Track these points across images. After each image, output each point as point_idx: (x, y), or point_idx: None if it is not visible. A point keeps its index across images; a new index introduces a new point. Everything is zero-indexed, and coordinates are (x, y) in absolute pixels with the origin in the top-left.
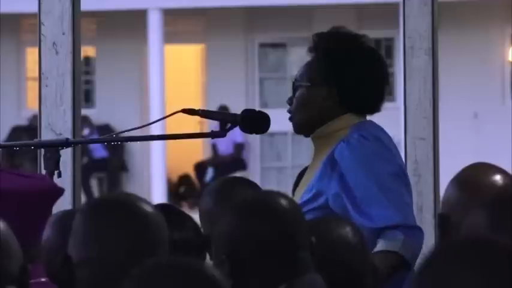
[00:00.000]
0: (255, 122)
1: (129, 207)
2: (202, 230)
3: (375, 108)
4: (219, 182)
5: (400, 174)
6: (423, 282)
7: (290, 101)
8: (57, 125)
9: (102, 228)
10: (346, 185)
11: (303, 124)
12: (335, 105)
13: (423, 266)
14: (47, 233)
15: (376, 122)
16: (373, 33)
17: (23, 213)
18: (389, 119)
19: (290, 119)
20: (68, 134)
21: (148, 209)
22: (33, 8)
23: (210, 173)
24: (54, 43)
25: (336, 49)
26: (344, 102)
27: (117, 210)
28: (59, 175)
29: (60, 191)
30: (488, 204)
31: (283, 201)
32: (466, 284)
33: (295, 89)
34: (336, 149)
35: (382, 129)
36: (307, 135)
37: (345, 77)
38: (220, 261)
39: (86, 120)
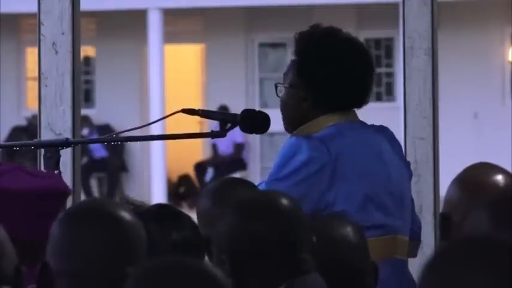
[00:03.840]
0: (255, 122)
1: (106, 215)
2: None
3: (359, 103)
4: (217, 182)
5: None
6: (428, 282)
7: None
8: (56, 125)
9: (80, 238)
10: None
11: (286, 125)
12: (312, 106)
13: (428, 265)
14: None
15: (376, 122)
16: (373, 33)
17: (27, 213)
18: (389, 119)
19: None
20: (67, 134)
21: (126, 215)
22: (32, 8)
23: (210, 173)
24: (53, 43)
25: (308, 50)
26: (321, 103)
27: (95, 218)
28: (59, 175)
29: (67, 192)
30: (491, 204)
31: (284, 201)
32: (471, 283)
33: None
34: None
35: (353, 135)
36: None
37: (319, 77)
38: (221, 261)
39: (86, 120)
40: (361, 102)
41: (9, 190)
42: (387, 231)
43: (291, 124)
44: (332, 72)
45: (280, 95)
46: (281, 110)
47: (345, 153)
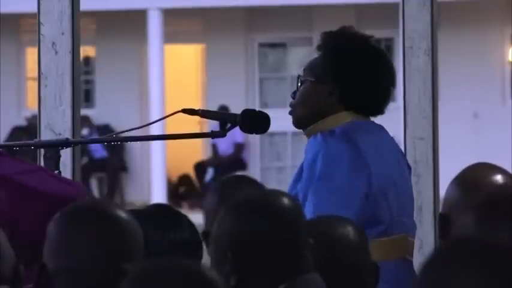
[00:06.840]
0: (255, 122)
1: (103, 214)
2: (206, 228)
3: (378, 110)
4: (224, 180)
5: (341, 186)
6: (425, 283)
7: (294, 95)
8: (56, 125)
9: (77, 237)
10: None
11: (303, 118)
12: (336, 103)
13: (425, 266)
14: None
15: (377, 122)
16: (373, 33)
17: (47, 216)
18: (389, 119)
19: (290, 112)
20: (67, 134)
21: (123, 215)
22: (32, 8)
23: (210, 173)
24: (53, 43)
25: (343, 48)
26: (345, 101)
27: (92, 218)
28: (59, 175)
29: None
30: (477, 205)
31: (284, 201)
32: (468, 283)
33: (299, 83)
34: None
35: (373, 133)
36: (305, 130)
37: (349, 76)
38: (219, 261)
39: (86, 120)
40: (379, 109)
41: (36, 190)
42: (401, 230)
43: (311, 119)
44: (364, 73)
45: (301, 88)
46: (301, 104)
47: (368, 149)
